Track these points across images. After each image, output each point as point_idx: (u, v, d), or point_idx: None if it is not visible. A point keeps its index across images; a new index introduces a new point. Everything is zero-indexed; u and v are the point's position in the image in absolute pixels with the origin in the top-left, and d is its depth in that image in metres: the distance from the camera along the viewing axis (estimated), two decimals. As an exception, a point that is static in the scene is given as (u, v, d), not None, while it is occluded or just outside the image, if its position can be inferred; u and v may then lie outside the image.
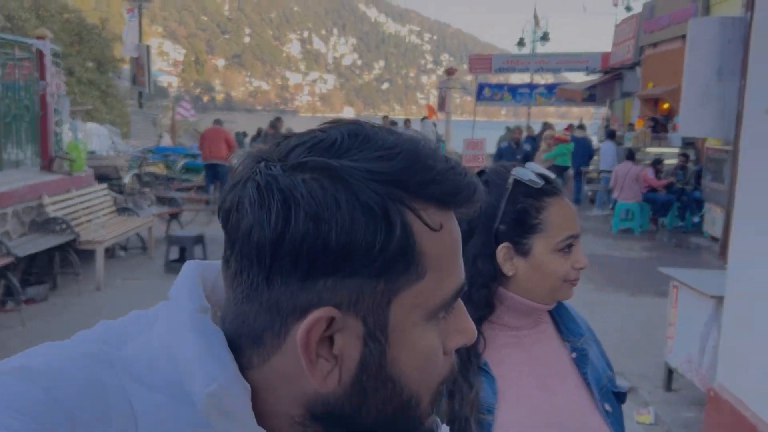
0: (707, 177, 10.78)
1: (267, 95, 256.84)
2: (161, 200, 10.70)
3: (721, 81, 3.63)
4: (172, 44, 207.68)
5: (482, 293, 1.29)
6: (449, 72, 23.29)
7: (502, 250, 1.29)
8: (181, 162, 14.62)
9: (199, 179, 13.11)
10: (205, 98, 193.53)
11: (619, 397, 1.37)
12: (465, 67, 30.00)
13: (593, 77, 23.84)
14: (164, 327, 0.59)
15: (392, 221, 0.54)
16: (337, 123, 0.59)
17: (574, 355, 1.35)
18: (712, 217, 10.63)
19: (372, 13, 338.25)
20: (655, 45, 18.30)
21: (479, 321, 1.29)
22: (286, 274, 0.54)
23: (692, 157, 12.72)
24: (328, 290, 0.54)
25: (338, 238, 0.53)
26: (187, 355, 0.56)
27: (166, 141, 17.64)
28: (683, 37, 16.42)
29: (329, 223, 0.53)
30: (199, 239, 8.00)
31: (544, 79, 27.32)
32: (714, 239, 10.24)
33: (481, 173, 1.31)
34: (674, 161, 12.59)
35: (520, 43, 25.89)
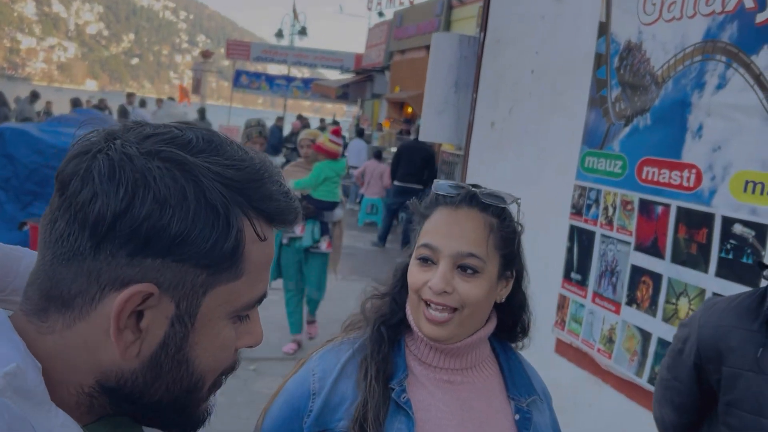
0: (441, 177, 11.93)
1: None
2: None
3: (457, 93, 4.07)
4: None
5: (391, 299, 1.26)
6: (205, 54, 22.64)
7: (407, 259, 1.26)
8: None
9: None
10: None
11: None
12: (222, 51, 29.36)
13: (347, 76, 24.85)
14: None
15: (231, 223, 0.61)
16: (191, 125, 0.64)
17: (517, 416, 1.20)
18: (445, 214, 11.84)
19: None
20: (403, 52, 19.65)
21: (392, 328, 1.24)
22: (117, 246, 0.57)
23: (430, 158, 13.93)
24: (154, 270, 0.59)
25: (179, 225, 0.58)
26: None
27: None
28: (427, 47, 17.92)
29: (173, 210, 0.58)
30: None
31: (301, 72, 27.83)
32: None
33: None
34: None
35: (279, 34, 26.03)
